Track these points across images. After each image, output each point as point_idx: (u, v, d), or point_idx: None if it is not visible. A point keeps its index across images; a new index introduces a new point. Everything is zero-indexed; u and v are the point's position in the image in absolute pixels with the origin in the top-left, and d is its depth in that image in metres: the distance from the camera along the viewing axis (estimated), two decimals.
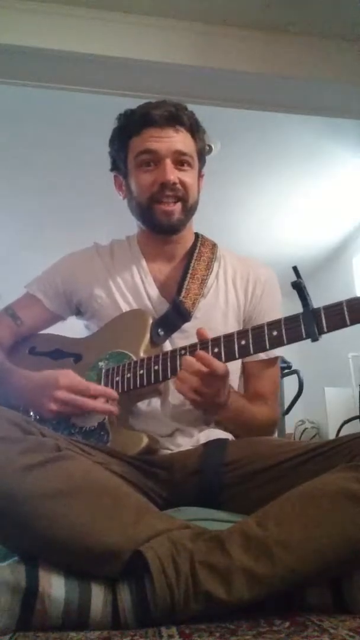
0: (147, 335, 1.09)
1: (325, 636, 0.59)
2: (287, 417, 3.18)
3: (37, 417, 1.08)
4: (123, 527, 0.71)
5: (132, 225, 1.26)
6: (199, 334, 0.97)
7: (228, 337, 0.95)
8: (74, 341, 1.22)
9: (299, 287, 0.89)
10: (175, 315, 1.12)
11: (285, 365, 3.09)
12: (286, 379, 3.24)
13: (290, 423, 3.87)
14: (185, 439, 1.07)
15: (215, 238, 1.28)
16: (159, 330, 1.10)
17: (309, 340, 0.87)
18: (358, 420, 2.91)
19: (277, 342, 0.90)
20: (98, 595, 0.68)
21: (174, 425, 1.09)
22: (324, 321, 0.85)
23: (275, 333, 0.90)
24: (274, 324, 0.91)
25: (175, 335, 1.12)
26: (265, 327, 0.92)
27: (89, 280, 1.20)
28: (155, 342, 1.10)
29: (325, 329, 0.86)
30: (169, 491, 1.00)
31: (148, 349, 1.09)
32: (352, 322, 0.83)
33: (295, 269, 0.92)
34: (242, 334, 0.94)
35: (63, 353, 1.19)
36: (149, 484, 0.99)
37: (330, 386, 3.84)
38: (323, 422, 3.86)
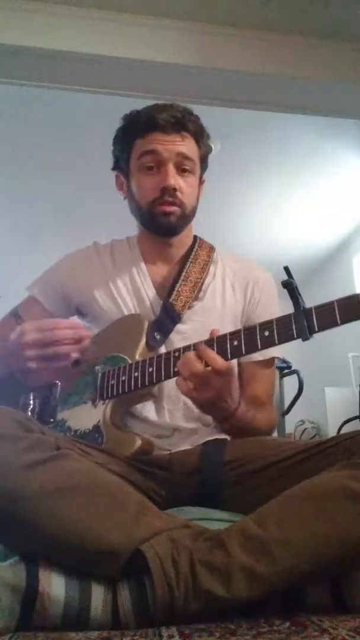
0: (143, 339, 1.09)
1: (325, 636, 0.59)
2: (287, 417, 3.19)
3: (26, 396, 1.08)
4: (123, 526, 0.71)
5: (132, 226, 1.26)
6: (212, 333, 0.97)
7: (221, 338, 0.95)
8: None
9: (290, 287, 0.89)
10: (166, 317, 1.12)
11: (285, 365, 3.09)
12: (286, 379, 3.24)
13: (290, 423, 3.87)
14: (183, 440, 1.07)
15: (215, 238, 1.28)
16: (155, 333, 1.11)
17: (306, 340, 0.87)
18: (358, 420, 2.91)
19: (268, 342, 0.90)
20: (98, 595, 0.68)
21: (171, 426, 1.09)
22: (315, 321, 0.85)
23: (267, 333, 0.90)
24: (266, 324, 0.91)
25: (174, 337, 1.12)
26: (257, 328, 0.92)
27: (89, 283, 1.20)
28: (152, 345, 1.10)
29: (316, 329, 0.85)
30: (169, 491, 1.00)
31: (144, 352, 1.09)
32: (343, 322, 0.83)
33: (286, 268, 0.92)
34: (234, 334, 0.94)
35: None
36: (149, 484, 0.99)
37: (330, 386, 3.85)
38: (323, 422, 3.86)
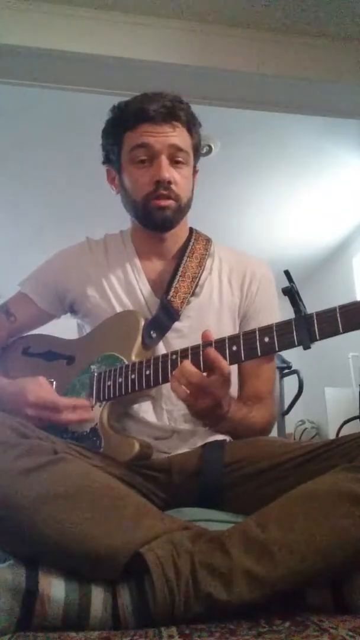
0: (139, 338, 1.06)
1: (325, 636, 0.59)
2: (287, 417, 3.19)
3: None
4: (123, 530, 0.71)
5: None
6: (204, 336, 0.93)
7: (219, 343, 0.92)
8: (67, 342, 1.21)
9: (290, 293, 0.86)
10: (164, 315, 1.09)
11: (285, 365, 3.09)
12: (286, 379, 3.24)
13: (290, 423, 3.87)
14: (182, 441, 1.07)
15: (215, 238, 1.27)
16: (152, 332, 1.07)
17: (308, 349, 0.85)
18: (358, 420, 2.91)
19: (268, 349, 0.87)
20: (98, 597, 0.68)
21: (170, 428, 1.07)
22: (316, 328, 0.82)
23: (267, 339, 0.87)
24: (265, 330, 0.88)
25: (170, 335, 1.10)
26: (257, 333, 0.89)
27: (82, 279, 1.18)
28: (148, 344, 1.07)
29: (317, 337, 0.82)
30: (169, 493, 1.00)
31: (140, 351, 1.06)
32: (345, 330, 0.80)
33: (287, 273, 0.89)
34: (233, 339, 0.91)
35: (56, 354, 1.17)
36: (149, 486, 0.99)
37: (330, 386, 3.84)
38: (323, 422, 3.85)
